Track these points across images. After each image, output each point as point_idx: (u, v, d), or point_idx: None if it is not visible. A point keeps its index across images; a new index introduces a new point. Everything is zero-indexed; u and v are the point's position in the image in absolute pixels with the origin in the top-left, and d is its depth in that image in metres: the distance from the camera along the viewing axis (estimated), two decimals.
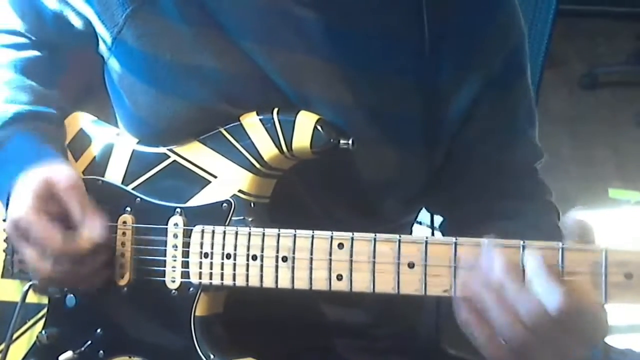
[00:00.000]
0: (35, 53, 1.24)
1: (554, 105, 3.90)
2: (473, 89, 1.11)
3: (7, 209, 1.09)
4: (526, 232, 1.06)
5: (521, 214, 1.15)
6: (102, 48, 1.17)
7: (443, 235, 1.26)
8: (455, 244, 0.94)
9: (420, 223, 1.49)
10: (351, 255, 0.98)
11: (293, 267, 1.01)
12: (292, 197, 1.12)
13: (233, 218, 1.06)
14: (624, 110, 4.01)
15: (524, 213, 1.15)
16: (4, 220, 1.13)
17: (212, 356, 1.06)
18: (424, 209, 1.33)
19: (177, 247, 1.08)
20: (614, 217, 3.21)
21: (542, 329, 0.87)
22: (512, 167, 1.19)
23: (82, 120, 1.21)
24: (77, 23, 1.18)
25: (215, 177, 1.09)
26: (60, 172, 1.08)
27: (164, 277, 1.08)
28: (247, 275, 1.04)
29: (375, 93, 1.09)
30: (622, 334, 2.52)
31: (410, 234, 1.37)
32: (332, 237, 1.00)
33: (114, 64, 1.15)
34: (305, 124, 1.05)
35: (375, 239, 0.98)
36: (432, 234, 1.48)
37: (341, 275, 0.99)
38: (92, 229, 1.05)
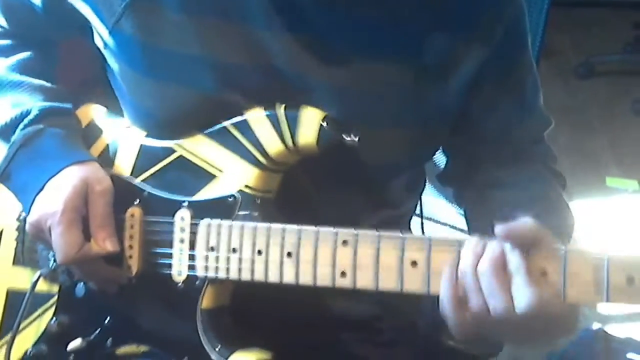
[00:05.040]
0: (26, 53, 1.23)
1: (550, 96, 3.88)
2: (475, 62, 1.11)
3: (32, 202, 1.10)
4: (522, 201, 1.10)
5: (517, 181, 1.17)
6: (98, 39, 1.16)
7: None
8: (459, 243, 0.95)
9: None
10: (355, 253, 0.99)
11: (298, 263, 1.02)
12: (296, 187, 1.13)
13: (239, 213, 1.07)
14: (620, 99, 4.01)
15: (520, 180, 1.17)
16: (23, 214, 1.16)
17: (217, 347, 1.08)
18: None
19: (183, 240, 1.09)
20: (611, 205, 3.24)
21: (507, 321, 0.91)
22: (520, 140, 1.20)
23: (93, 112, 1.22)
24: (71, 14, 1.16)
25: (222, 171, 1.09)
26: (97, 175, 1.11)
27: (171, 269, 1.10)
28: (253, 270, 1.05)
29: (376, 76, 1.09)
30: (622, 323, 2.55)
31: (410, 224, 1.39)
32: (336, 233, 1.00)
33: (111, 56, 1.15)
34: (311, 120, 1.05)
35: (379, 237, 0.98)
36: (422, 224, 1.52)
37: (345, 272, 1.00)
38: (103, 243, 1.09)
